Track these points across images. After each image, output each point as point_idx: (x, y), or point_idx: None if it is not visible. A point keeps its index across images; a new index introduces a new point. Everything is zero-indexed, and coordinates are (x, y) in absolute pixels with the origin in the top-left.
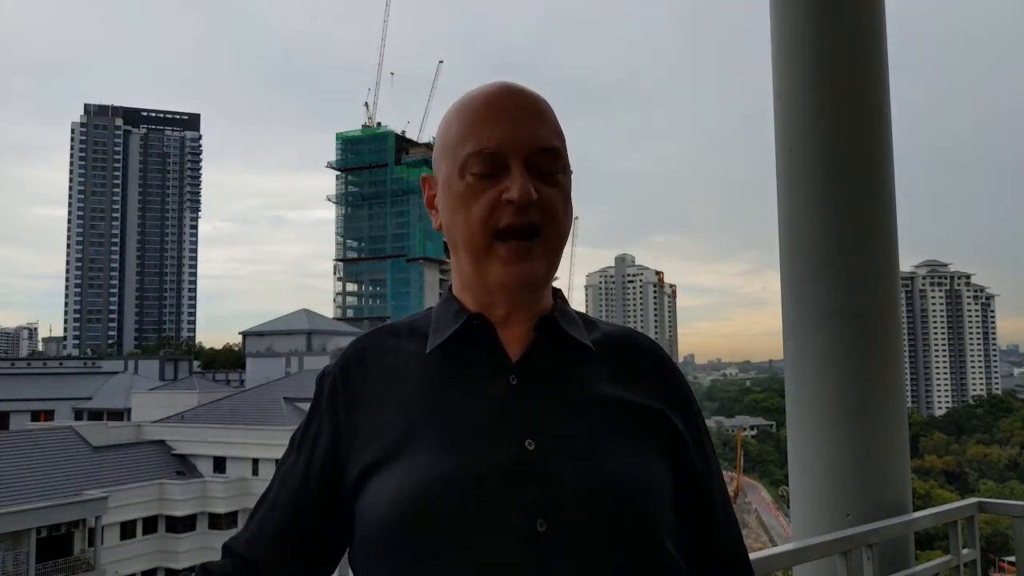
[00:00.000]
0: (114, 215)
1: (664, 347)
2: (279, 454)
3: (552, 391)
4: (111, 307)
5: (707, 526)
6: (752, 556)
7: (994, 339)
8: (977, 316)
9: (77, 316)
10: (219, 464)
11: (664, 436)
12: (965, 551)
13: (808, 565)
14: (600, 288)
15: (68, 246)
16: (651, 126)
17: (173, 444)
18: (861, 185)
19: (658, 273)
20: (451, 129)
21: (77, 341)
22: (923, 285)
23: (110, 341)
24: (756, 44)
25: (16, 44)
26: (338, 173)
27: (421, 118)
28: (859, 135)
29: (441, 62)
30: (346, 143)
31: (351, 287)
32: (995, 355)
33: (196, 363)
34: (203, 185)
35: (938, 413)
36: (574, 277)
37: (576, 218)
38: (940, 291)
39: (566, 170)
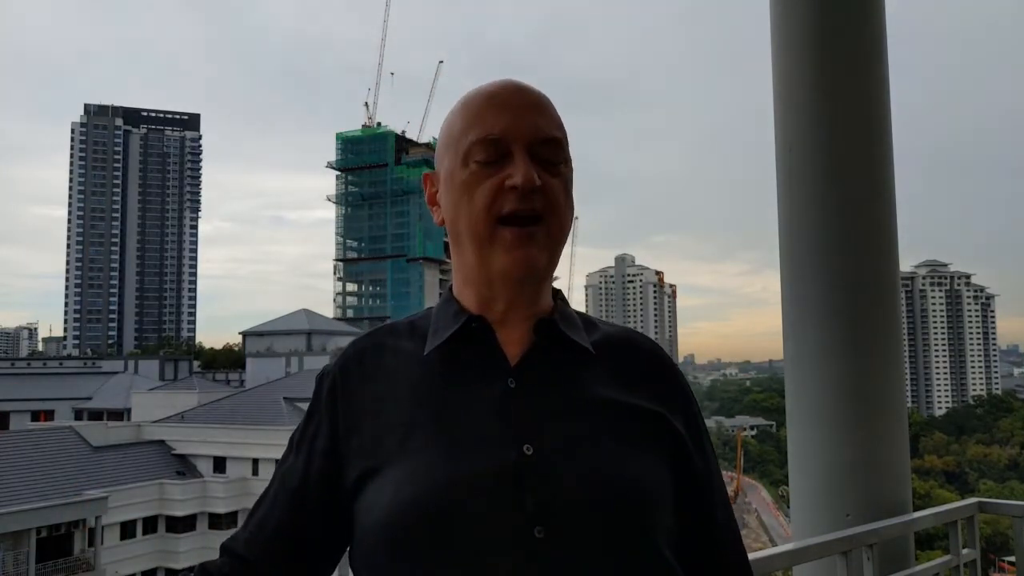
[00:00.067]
0: (114, 215)
1: (664, 347)
2: (279, 454)
3: (551, 394)
4: (111, 307)
5: (707, 528)
6: (752, 556)
7: (994, 339)
8: (977, 316)
9: (77, 316)
10: (219, 464)
11: (664, 439)
12: (965, 551)
13: (808, 565)
14: (600, 288)
15: (68, 246)
16: (651, 126)
17: (173, 444)
18: (861, 185)
19: (658, 273)
20: (454, 123)
21: (77, 341)
22: (923, 285)
23: (110, 341)
24: (756, 44)
25: (16, 44)
26: (338, 173)
27: (421, 118)
28: (859, 135)
29: (441, 62)
30: (346, 143)
31: (351, 287)
32: (995, 355)
33: (196, 363)
34: (203, 185)
35: (938, 413)
36: (574, 277)
37: (576, 218)
38: (940, 291)
39: (568, 162)
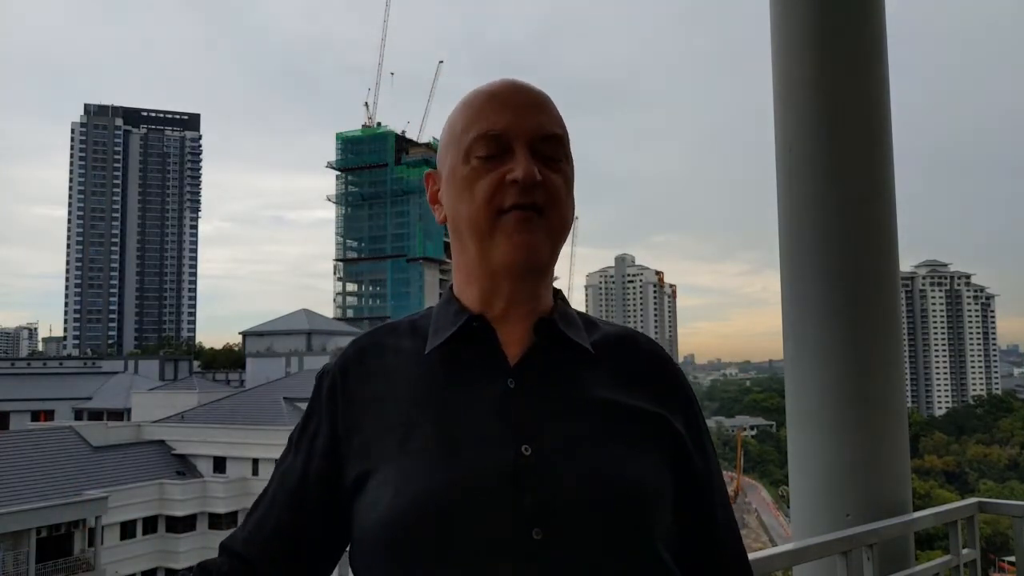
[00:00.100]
0: (114, 215)
1: (664, 347)
2: (279, 454)
3: (550, 394)
4: (111, 307)
5: (707, 528)
6: (752, 556)
7: (994, 339)
8: (977, 316)
9: (77, 316)
10: (219, 464)
11: (664, 439)
12: (965, 551)
13: (808, 565)
14: (600, 288)
15: (68, 246)
16: (651, 126)
17: (173, 444)
18: (861, 185)
19: (658, 273)
20: (456, 121)
21: (77, 341)
22: (923, 285)
23: (110, 341)
24: (756, 44)
25: (16, 44)
26: (338, 173)
27: (421, 118)
28: (859, 135)
29: (441, 62)
30: (346, 143)
31: (351, 287)
32: (995, 355)
33: (196, 363)
34: (203, 185)
35: (938, 413)
36: (574, 277)
37: (576, 218)
38: (940, 291)
39: (569, 160)
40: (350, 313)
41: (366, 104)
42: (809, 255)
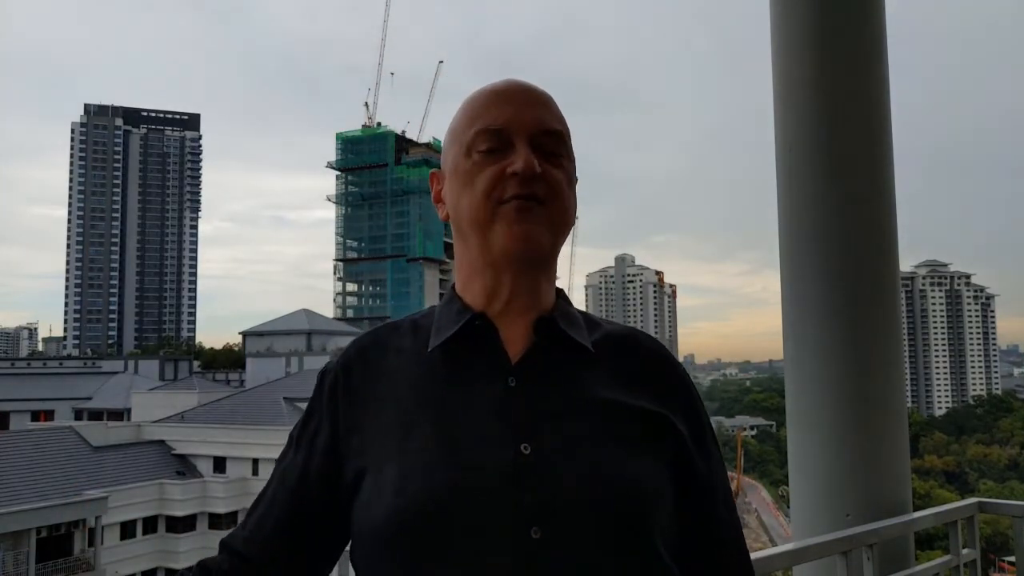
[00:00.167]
0: (114, 215)
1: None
2: (279, 454)
3: (551, 394)
4: (111, 307)
5: (709, 526)
6: (752, 556)
7: (994, 339)
8: (977, 316)
9: (77, 316)
10: (219, 464)
11: (665, 439)
12: (965, 551)
13: (808, 565)
14: (600, 288)
15: (68, 246)
16: (651, 126)
17: (173, 444)
18: (861, 185)
19: (658, 273)
20: (459, 119)
21: (77, 341)
22: (923, 285)
23: (110, 341)
24: (756, 44)
25: (16, 44)
26: (338, 173)
27: (421, 118)
28: (859, 135)
29: (441, 62)
30: (346, 143)
31: (351, 287)
32: (995, 355)
33: (196, 363)
34: (203, 185)
35: (938, 413)
36: (574, 277)
37: (576, 218)
38: (940, 291)
39: (570, 157)
40: (350, 313)
41: (366, 104)
42: (809, 255)
